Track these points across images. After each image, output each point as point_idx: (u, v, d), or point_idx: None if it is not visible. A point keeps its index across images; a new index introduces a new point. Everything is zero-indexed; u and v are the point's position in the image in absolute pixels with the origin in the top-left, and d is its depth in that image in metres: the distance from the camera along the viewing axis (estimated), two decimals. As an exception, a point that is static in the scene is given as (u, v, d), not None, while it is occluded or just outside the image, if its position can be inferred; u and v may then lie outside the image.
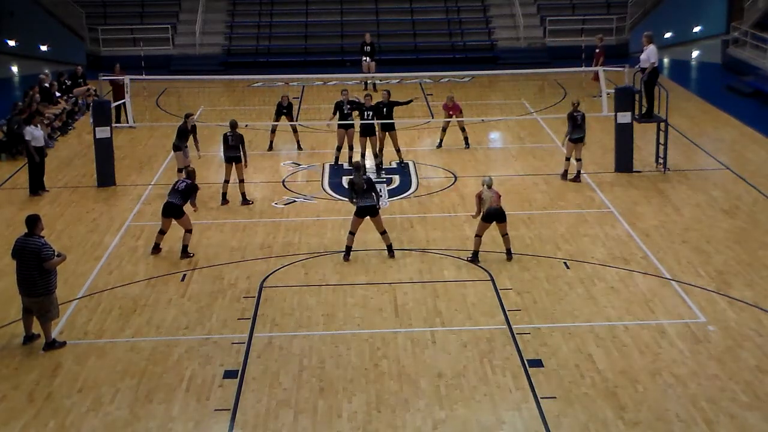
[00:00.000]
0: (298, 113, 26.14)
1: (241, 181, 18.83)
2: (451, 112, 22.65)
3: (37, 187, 19.74)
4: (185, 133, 19.87)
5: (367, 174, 16.07)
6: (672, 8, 36.73)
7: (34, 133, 19.87)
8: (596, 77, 27.75)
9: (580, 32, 34.09)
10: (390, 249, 15.77)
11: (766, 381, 11.54)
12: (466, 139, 22.78)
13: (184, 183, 16.24)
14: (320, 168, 21.43)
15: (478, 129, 24.55)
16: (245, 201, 18.75)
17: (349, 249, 15.71)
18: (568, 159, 19.95)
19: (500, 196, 15.55)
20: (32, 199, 19.39)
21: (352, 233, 15.67)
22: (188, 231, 16.08)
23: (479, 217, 15.49)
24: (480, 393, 11.37)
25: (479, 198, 15.45)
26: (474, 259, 15.50)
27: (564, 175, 19.93)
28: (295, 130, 23.17)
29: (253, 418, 10.96)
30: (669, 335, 12.78)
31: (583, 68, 23.18)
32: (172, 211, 15.99)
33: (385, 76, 31.28)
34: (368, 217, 15.60)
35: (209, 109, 28.16)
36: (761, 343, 12.54)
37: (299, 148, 22.94)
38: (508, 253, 15.55)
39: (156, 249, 16.20)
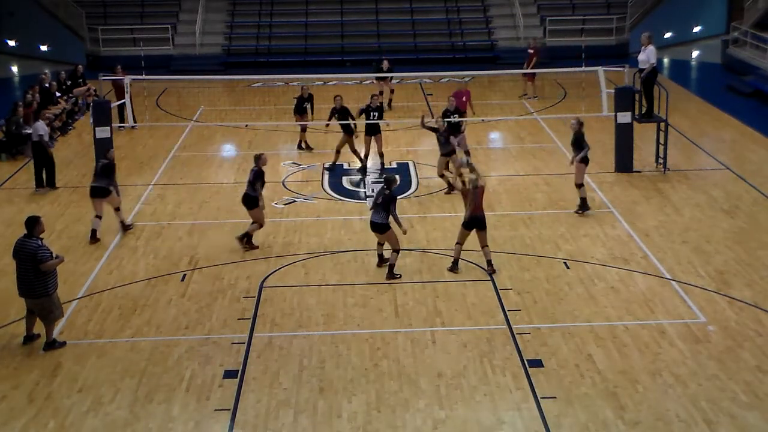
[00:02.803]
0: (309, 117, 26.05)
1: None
2: (464, 98, 22.37)
3: (49, 182, 20.02)
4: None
5: (391, 191, 14.87)
6: (672, 8, 36.72)
7: (43, 129, 20.33)
8: (530, 78, 27.94)
9: (580, 32, 34.10)
10: (390, 267, 14.88)
11: (766, 381, 11.54)
12: None
13: (101, 163, 16.89)
14: (320, 168, 21.42)
15: (479, 129, 24.53)
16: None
17: (381, 256, 15.19)
18: (581, 185, 17.76)
19: (483, 192, 14.85)
20: (33, 198, 19.39)
21: (380, 243, 15.21)
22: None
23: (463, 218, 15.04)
24: (480, 393, 11.38)
25: (459, 175, 15.22)
26: (454, 267, 15.01)
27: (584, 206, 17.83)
28: (303, 130, 23.02)
29: (253, 418, 10.96)
30: (669, 335, 12.79)
31: (583, 68, 23.17)
32: (99, 192, 16.64)
33: (385, 76, 31.22)
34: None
35: (209, 109, 28.15)
36: (761, 343, 12.55)
37: (307, 147, 22.84)
38: (489, 264, 14.91)
39: (94, 237, 16.68)
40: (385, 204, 14.74)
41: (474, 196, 14.70)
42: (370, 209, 15.34)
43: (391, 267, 14.92)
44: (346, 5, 37.40)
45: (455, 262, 15.07)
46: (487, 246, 14.94)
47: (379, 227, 14.86)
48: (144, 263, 15.85)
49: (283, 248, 16.39)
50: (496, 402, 11.18)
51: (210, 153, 22.91)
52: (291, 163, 21.91)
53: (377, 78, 27.70)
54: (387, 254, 15.18)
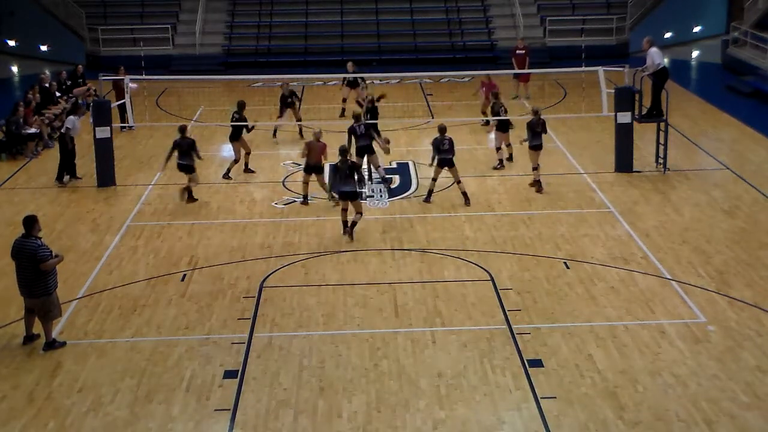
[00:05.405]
0: (298, 111, 26.05)
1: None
2: (484, 89, 22.78)
3: (70, 173, 20.41)
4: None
5: (350, 159, 17.12)
6: (672, 8, 36.71)
7: (75, 124, 20.72)
8: (524, 79, 27.77)
9: (580, 32, 34.09)
10: (353, 225, 16.55)
11: (766, 381, 11.54)
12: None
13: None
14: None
15: (479, 129, 24.54)
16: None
17: (345, 224, 16.66)
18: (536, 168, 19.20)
19: (324, 148, 18.39)
20: (33, 198, 19.39)
21: (344, 210, 16.72)
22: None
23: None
24: (480, 393, 11.38)
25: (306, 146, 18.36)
26: (305, 201, 18.45)
27: (536, 185, 19.16)
28: (299, 120, 23.20)
29: (253, 418, 10.96)
30: (669, 335, 12.79)
31: (583, 68, 23.16)
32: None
33: (385, 76, 31.28)
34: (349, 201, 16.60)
35: (209, 109, 28.14)
36: (761, 343, 12.55)
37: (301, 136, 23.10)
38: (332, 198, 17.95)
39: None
40: (351, 172, 16.45)
41: (317, 147, 18.26)
42: (338, 182, 16.66)
43: (354, 225, 16.60)
44: (346, 5, 37.38)
45: (305, 197, 18.50)
46: (323, 182, 18.47)
47: (354, 195, 16.61)
48: (144, 263, 15.85)
49: (283, 248, 16.39)
50: (496, 402, 11.18)
51: (210, 153, 22.89)
52: (291, 163, 21.91)
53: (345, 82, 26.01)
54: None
